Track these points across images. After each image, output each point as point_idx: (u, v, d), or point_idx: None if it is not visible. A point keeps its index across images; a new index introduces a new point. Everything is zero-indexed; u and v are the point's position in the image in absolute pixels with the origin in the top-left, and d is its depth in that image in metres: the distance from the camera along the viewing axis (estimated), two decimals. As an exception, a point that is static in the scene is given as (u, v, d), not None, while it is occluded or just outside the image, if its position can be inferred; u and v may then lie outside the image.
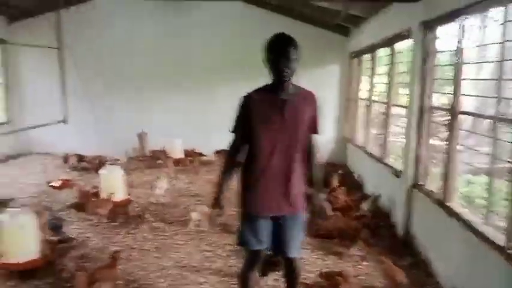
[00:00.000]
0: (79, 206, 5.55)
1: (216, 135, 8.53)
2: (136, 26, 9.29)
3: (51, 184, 7.25)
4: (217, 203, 2.96)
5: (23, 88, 9.98)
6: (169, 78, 9.34)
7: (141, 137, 8.84)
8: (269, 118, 2.72)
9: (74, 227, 5.18)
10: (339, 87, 9.20)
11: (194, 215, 5.29)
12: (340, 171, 7.18)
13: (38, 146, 10.06)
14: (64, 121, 9.32)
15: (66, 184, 7.32)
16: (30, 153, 9.96)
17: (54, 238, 4.42)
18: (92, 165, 8.35)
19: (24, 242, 3.94)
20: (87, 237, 4.78)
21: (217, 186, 2.97)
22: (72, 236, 4.79)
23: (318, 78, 9.07)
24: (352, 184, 7.25)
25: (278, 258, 3.95)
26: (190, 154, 8.98)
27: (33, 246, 4.00)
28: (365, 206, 5.80)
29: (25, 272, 3.90)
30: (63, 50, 8.69)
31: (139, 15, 9.26)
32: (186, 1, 8.84)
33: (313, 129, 2.90)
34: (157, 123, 9.21)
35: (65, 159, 8.64)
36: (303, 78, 8.67)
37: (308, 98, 2.88)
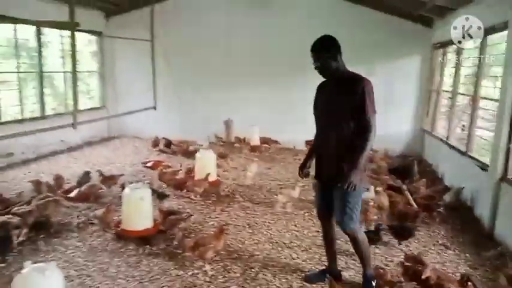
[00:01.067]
0: (178, 185, 6.12)
1: (296, 125, 9.07)
2: (223, 19, 9.76)
3: (146, 165, 8.07)
4: (300, 171, 3.72)
5: (117, 77, 10.91)
6: (253, 69, 9.73)
7: (228, 124, 9.38)
8: (317, 103, 3.54)
9: (175, 203, 5.77)
10: (419, 79, 9.09)
11: (281, 198, 5.68)
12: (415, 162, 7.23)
13: (128, 130, 11.00)
14: (154, 108, 10.16)
15: (157, 164, 8.06)
16: (122, 136, 10.90)
17: (165, 209, 4.98)
18: (179, 148, 9.02)
19: (142, 213, 4.55)
20: (187, 212, 5.31)
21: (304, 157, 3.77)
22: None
23: (398, 69, 9.12)
24: (431, 176, 7.27)
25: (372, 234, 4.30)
26: (266, 141, 9.42)
27: (149, 216, 4.60)
28: (447, 197, 5.86)
29: (141, 238, 4.50)
30: (155, 42, 9.48)
31: (227, 8, 9.72)
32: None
33: (356, 110, 3.22)
34: (240, 112, 9.67)
35: (155, 142, 9.40)
36: (382, 68, 8.87)
37: (348, 85, 3.30)
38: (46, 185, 5.77)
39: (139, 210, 4.53)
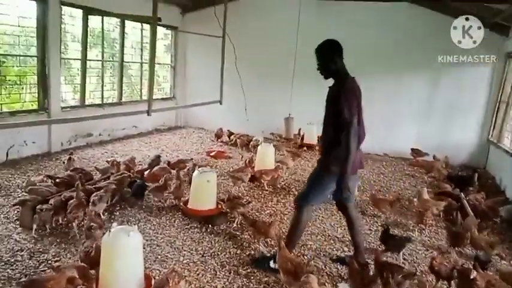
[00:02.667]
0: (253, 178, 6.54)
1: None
2: (292, 20, 10.03)
3: (209, 154, 8.58)
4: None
5: (187, 70, 11.57)
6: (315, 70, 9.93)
7: (288, 121, 9.68)
8: None
9: (235, 189, 6.17)
10: (488, 88, 8.83)
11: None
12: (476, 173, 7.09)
13: (194, 121, 11.64)
14: (220, 102, 10.67)
15: (220, 154, 8.56)
16: (187, 126, 11.56)
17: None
18: (240, 141, 9.44)
19: (208, 194, 4.97)
20: (247, 198, 5.67)
21: None
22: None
23: (466, 77, 8.90)
24: (492, 188, 7.12)
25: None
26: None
27: (213, 198, 5.02)
28: (505, 210, 5.77)
29: (205, 217, 4.93)
30: (226, 39, 9.96)
31: (296, 9, 9.97)
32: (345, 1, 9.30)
33: (336, 111, 3.51)
34: (300, 110, 9.92)
35: (218, 134, 9.90)
36: (449, 74, 8.71)
37: (334, 87, 3.71)
38: (123, 163, 6.37)
39: (205, 192, 4.95)
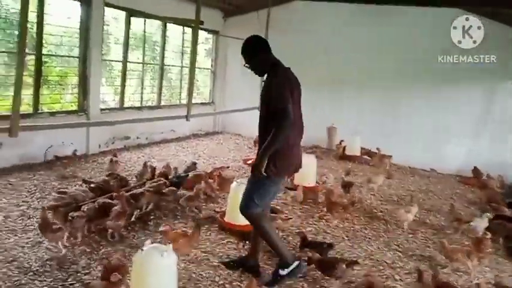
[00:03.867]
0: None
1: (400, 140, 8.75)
2: (337, 27, 9.66)
3: (246, 162, 8.28)
4: None
5: (227, 75, 11.38)
6: (362, 79, 9.50)
7: (330, 131, 9.27)
8: None
9: (272, 204, 5.78)
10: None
11: (405, 215, 5.37)
12: None
13: (231, 126, 11.40)
14: (258, 108, 10.38)
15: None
16: (224, 132, 11.33)
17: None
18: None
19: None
20: (286, 214, 5.31)
21: None
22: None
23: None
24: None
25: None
26: (367, 153, 9.09)
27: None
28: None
29: (243, 233, 4.60)
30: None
31: (342, 17, 9.58)
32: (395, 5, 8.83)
33: (269, 103, 3.37)
34: (341, 119, 9.49)
35: (256, 141, 9.57)
36: (505, 91, 8.05)
37: (267, 79, 3.56)
38: (160, 171, 6.16)
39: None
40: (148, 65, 9.40)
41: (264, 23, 8.55)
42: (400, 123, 9.20)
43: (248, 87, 10.62)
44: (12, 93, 4.26)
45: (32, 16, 6.25)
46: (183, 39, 10.04)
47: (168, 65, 9.90)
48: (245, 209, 3.62)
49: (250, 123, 10.94)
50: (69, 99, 7.69)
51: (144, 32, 8.79)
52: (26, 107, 6.85)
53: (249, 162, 8.22)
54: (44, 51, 6.91)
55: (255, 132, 10.04)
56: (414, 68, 8.90)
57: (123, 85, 8.38)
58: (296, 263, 3.71)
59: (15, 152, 6.36)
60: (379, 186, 6.90)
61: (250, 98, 10.24)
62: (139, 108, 8.79)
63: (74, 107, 7.53)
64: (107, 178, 5.36)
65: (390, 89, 9.28)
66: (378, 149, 8.57)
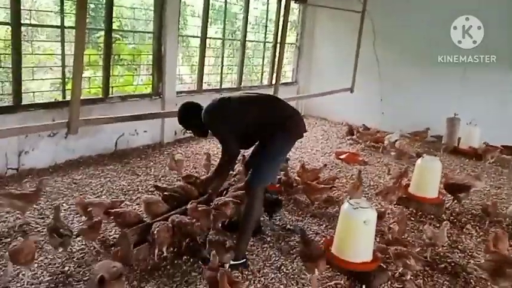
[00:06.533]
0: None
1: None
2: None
3: (339, 156, 7.03)
4: None
5: (314, 51, 10.01)
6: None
7: (452, 122, 7.60)
8: None
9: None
10: None
11: None
12: None
13: (316, 109, 10.07)
14: (351, 90, 9.00)
15: (353, 158, 6.95)
16: (309, 116, 10.05)
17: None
18: (380, 143, 7.65)
19: (361, 240, 3.45)
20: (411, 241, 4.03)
21: None
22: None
23: None
24: None
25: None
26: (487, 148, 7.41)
27: (369, 247, 3.48)
28: None
29: (357, 274, 3.42)
30: (366, 15, 8.20)
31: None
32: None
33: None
34: (453, 109, 7.80)
35: (350, 130, 8.23)
36: None
37: None
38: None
39: (358, 237, 3.43)
40: (227, 41, 8.28)
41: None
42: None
43: (338, 65, 9.26)
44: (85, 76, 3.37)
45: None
46: (267, 10, 8.80)
47: (252, 41, 8.76)
48: (257, 183, 3.41)
49: (338, 107, 9.67)
50: (143, 81, 6.87)
51: (226, 2, 7.68)
52: (96, 91, 6.13)
53: (342, 156, 6.99)
54: (114, 26, 6.06)
55: (344, 117, 9.02)
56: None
57: (201, 64, 7.39)
58: (244, 260, 3.43)
59: (82, 141, 5.63)
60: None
61: (339, 78, 8.95)
62: (218, 91, 7.79)
63: (148, 90, 6.71)
64: (183, 184, 4.39)
65: None
66: (485, 143, 7.27)
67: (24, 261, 2.93)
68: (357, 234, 3.42)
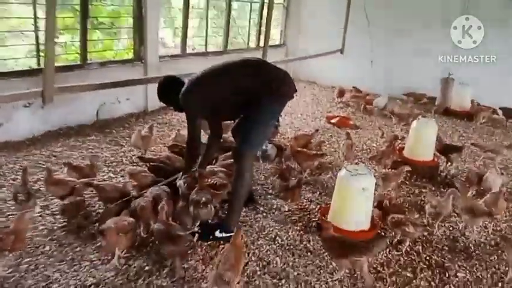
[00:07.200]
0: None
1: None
2: None
3: (330, 121, 6.84)
4: None
5: (303, 10, 9.60)
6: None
7: (447, 82, 7.42)
8: None
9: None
10: None
11: None
12: None
13: (305, 72, 9.76)
14: (341, 51, 8.73)
15: (345, 122, 6.78)
16: (298, 80, 9.74)
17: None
18: (368, 105, 7.47)
19: (360, 209, 3.31)
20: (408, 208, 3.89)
21: None
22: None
23: None
24: None
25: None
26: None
27: (367, 216, 3.35)
28: None
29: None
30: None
31: None
32: None
33: None
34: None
35: (340, 92, 8.01)
36: None
37: None
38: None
39: (356, 205, 3.28)
40: (212, 2, 7.85)
41: None
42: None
43: (328, 26, 8.93)
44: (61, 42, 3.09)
45: None
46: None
47: (240, 1, 8.34)
48: (249, 148, 3.23)
49: (328, 70, 9.38)
50: (123, 45, 6.48)
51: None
52: (74, 57, 5.76)
53: (333, 121, 6.81)
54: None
55: (333, 80, 8.72)
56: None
57: (185, 26, 6.97)
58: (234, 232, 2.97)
59: (60, 111, 5.27)
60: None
61: (329, 39, 8.68)
62: (203, 55, 7.44)
63: (129, 56, 6.34)
64: (170, 154, 4.16)
65: None
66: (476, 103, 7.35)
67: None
68: (355, 202, 3.27)
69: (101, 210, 3.43)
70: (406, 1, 8.11)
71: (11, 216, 3.25)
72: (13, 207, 3.36)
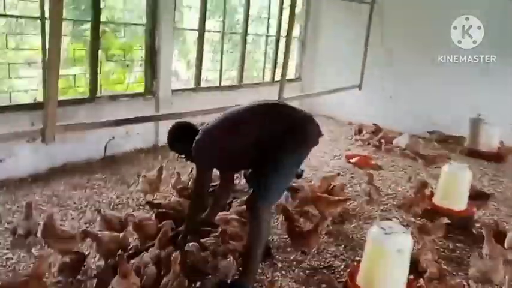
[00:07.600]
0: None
1: None
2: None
3: (350, 160, 6.47)
4: None
5: (320, 44, 9.38)
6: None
7: (475, 124, 6.99)
8: None
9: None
10: None
11: None
12: None
13: (321, 107, 9.40)
14: (359, 87, 8.44)
15: (365, 162, 6.40)
16: (314, 114, 9.38)
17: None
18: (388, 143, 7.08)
19: (397, 275, 2.87)
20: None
21: None
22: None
23: None
24: None
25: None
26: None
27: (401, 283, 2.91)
28: None
29: None
30: (375, 7, 7.67)
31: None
32: None
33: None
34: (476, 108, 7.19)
35: (359, 129, 7.66)
36: None
37: None
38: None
39: (391, 269, 2.86)
40: (227, 35, 7.65)
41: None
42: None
43: (345, 61, 8.69)
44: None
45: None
46: (269, 2, 8.19)
47: (255, 34, 8.16)
48: (264, 203, 2.83)
49: (346, 105, 9.05)
50: (134, 79, 6.26)
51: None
52: (83, 89, 5.53)
53: (353, 160, 6.43)
54: (103, 17, 5.44)
55: (349, 116, 8.42)
56: None
57: (199, 60, 6.76)
58: None
59: (66, 146, 4.95)
60: None
61: (346, 74, 8.41)
62: (218, 88, 7.19)
63: (141, 88, 6.10)
64: (180, 200, 3.80)
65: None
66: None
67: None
68: (388, 265, 2.84)
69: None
70: (428, 33, 7.77)
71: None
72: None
